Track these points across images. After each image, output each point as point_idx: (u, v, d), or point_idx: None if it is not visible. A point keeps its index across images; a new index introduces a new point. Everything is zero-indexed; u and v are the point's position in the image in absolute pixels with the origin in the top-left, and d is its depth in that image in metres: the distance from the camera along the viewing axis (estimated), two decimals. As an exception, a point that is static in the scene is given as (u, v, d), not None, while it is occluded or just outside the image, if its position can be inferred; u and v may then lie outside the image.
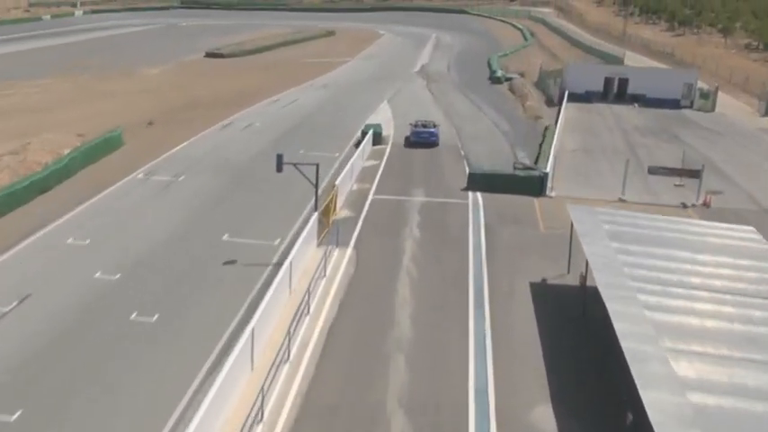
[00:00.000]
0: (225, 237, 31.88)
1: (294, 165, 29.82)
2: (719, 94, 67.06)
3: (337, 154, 46.69)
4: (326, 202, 32.63)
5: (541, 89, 69.56)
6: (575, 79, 59.98)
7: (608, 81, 62.18)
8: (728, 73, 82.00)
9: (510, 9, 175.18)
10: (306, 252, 28.77)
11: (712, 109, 64.36)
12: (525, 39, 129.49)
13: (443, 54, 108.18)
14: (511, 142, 51.05)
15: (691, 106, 64.38)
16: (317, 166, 30.16)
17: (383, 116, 57.43)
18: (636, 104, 62.00)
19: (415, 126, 49.99)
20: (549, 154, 42.64)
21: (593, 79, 60.86)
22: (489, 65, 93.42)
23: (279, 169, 30.39)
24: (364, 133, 48.81)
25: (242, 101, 64.99)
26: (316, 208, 30.95)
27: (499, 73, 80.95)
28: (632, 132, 54.50)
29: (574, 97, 59.88)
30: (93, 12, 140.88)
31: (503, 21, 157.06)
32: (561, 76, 64.53)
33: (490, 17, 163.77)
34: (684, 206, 37.55)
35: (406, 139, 50.46)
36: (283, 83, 75.14)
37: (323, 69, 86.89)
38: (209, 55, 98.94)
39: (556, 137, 47.61)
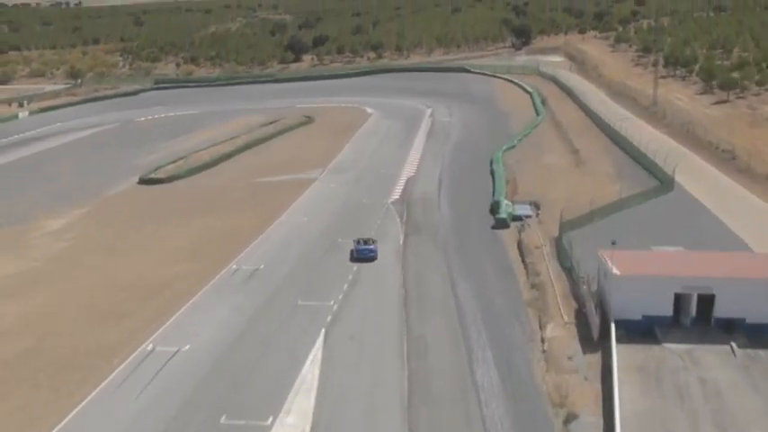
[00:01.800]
0: None
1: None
2: None
3: None
4: None
5: (565, 267, 43.42)
6: (626, 298, 33.42)
7: (681, 299, 34.33)
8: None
9: (516, 63, 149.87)
10: None
11: None
12: (536, 109, 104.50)
13: (437, 150, 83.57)
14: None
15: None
16: None
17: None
18: (733, 345, 32.95)
19: (357, 243, 49.50)
20: None
21: (655, 297, 33.95)
22: (492, 176, 68.78)
23: None
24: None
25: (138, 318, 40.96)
26: None
27: (503, 208, 55.92)
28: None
29: (626, 328, 33.45)
30: (43, 110, 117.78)
31: (509, 80, 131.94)
32: (599, 286, 36.91)
33: (494, 75, 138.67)
34: None
35: (351, 253, 48.92)
36: (202, 262, 50.89)
37: (271, 209, 62.49)
38: (144, 182, 75.23)
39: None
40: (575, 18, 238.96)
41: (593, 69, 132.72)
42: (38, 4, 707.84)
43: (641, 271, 34.41)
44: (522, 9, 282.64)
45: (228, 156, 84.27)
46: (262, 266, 47.71)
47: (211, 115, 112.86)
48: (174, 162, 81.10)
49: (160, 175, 76.55)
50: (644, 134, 79.38)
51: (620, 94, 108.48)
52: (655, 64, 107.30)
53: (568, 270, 42.72)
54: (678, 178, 59.88)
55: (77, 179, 77.12)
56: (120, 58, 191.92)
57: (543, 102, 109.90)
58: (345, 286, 43.61)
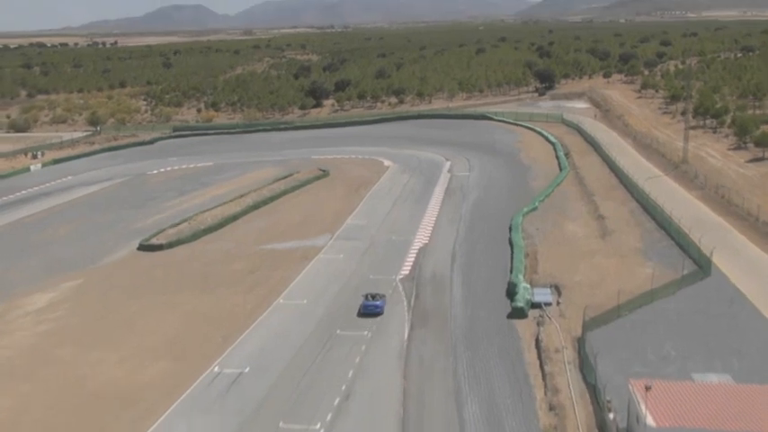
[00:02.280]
0: None
1: None
2: None
3: None
4: None
5: (589, 383, 36.78)
6: None
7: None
8: None
9: (539, 110, 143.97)
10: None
11: None
12: (559, 163, 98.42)
13: (453, 212, 77.63)
14: None
15: None
16: None
17: None
18: None
19: (365, 298, 50.84)
20: None
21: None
22: (511, 246, 62.82)
23: None
24: None
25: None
26: None
27: (521, 294, 49.73)
28: None
29: None
30: (57, 161, 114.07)
31: (531, 129, 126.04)
32: (629, 428, 29.78)
33: (516, 123, 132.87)
34: None
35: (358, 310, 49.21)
36: (182, 360, 45.28)
37: (270, 288, 56.92)
38: (144, 248, 70.20)
39: None
40: (599, 60, 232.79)
41: (618, 118, 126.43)
42: (76, 44, 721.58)
43: (682, 422, 27.83)
44: (546, 50, 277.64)
45: (235, 217, 79.06)
46: (247, 370, 41.90)
47: (225, 167, 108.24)
48: (177, 225, 76.11)
49: (161, 240, 71.47)
50: (675, 199, 72.97)
51: (647, 146, 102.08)
52: (683, 113, 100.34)
53: (593, 388, 36.31)
54: (715, 257, 53.24)
55: (76, 244, 72.28)
56: (144, 102, 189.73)
57: (567, 154, 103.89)
58: (336, 401, 37.58)
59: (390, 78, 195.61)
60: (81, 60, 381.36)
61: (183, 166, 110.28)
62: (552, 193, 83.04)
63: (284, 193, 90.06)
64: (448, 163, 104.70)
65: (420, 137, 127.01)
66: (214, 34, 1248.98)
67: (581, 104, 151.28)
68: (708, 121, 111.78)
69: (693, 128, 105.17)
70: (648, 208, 70.54)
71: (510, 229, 68.80)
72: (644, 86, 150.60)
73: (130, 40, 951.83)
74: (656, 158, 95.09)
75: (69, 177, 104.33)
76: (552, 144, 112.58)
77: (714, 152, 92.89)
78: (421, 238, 68.91)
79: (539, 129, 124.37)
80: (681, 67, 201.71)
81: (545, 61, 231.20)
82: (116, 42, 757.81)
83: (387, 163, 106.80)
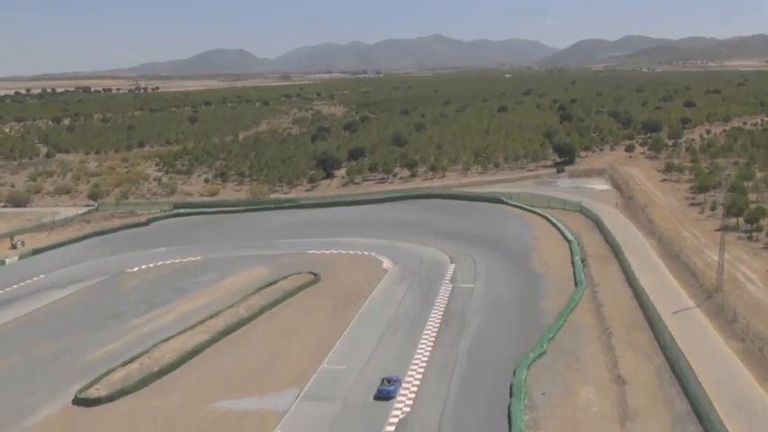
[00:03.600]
0: None
1: None
2: None
3: None
4: None
5: None
6: None
7: None
8: None
9: (557, 193, 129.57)
10: None
11: None
12: (575, 276, 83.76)
13: (447, 356, 63.30)
14: None
15: None
16: None
17: None
18: None
19: (381, 383, 54.58)
20: None
21: None
22: (509, 420, 48.55)
23: None
24: None
25: None
26: None
27: None
28: None
29: None
30: (37, 252, 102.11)
31: (547, 219, 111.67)
32: None
33: (531, 210, 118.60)
34: None
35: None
36: None
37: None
38: (79, 402, 56.97)
39: None
40: (621, 125, 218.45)
41: (642, 210, 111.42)
42: (118, 89, 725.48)
43: None
44: (567, 112, 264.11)
45: (197, 351, 65.67)
46: None
47: (211, 264, 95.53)
48: (127, 364, 62.93)
49: (100, 390, 58.19)
50: (710, 352, 58.19)
51: (675, 256, 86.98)
52: (722, 231, 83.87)
53: None
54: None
55: (2, 394, 59.20)
56: (155, 167, 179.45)
57: (583, 260, 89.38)
58: None
59: (406, 147, 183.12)
60: (114, 107, 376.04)
61: (168, 262, 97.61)
62: (564, 324, 68.56)
63: (263, 310, 76.55)
64: (452, 266, 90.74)
65: (427, 224, 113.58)
66: (253, 78, 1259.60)
67: (601, 186, 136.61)
68: (741, 220, 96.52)
69: (725, 228, 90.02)
70: (678, 370, 55.63)
71: (511, 392, 54.49)
72: (668, 169, 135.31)
73: (173, 84, 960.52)
74: (685, 276, 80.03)
75: (42, 276, 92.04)
76: (569, 242, 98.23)
77: (752, 273, 77.61)
78: (403, 400, 54.76)
79: (555, 220, 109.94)
80: (706, 137, 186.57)
81: (566, 126, 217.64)
82: (157, 88, 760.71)
83: (385, 264, 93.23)
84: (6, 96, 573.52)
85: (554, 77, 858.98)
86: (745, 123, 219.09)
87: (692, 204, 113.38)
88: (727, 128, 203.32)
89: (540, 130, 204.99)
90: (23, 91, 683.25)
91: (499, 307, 75.86)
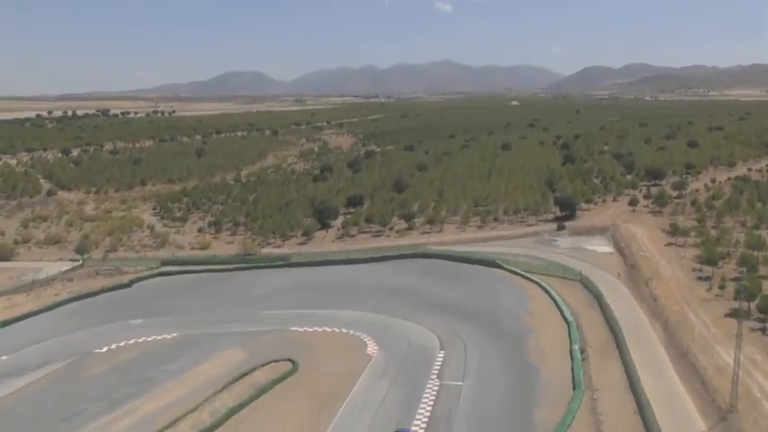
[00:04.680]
0: None
1: None
2: None
3: None
4: None
5: None
6: None
7: None
8: None
9: (557, 255, 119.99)
10: None
11: None
12: (573, 372, 74.00)
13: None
14: None
15: None
16: None
17: None
18: None
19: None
20: None
21: None
22: None
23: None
24: None
25: None
26: None
27: None
28: None
29: None
30: (5, 325, 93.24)
31: (546, 291, 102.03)
32: None
33: (528, 278, 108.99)
34: None
35: None
36: None
37: None
38: None
39: None
40: (624, 168, 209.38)
41: (645, 284, 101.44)
42: (136, 113, 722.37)
43: None
44: (570, 150, 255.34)
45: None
46: None
47: (186, 344, 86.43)
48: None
49: None
50: None
51: (683, 355, 76.91)
52: (738, 334, 73.20)
53: None
54: None
55: None
56: (152, 211, 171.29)
57: (583, 351, 79.64)
58: None
59: (406, 192, 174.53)
60: (126, 136, 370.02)
61: (141, 340, 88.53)
62: (560, 447, 58.80)
63: (231, 414, 67.21)
64: (441, 355, 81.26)
65: (419, 292, 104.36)
66: (269, 101, 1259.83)
67: (603, 248, 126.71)
68: (753, 306, 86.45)
69: (734, 314, 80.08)
70: None
71: None
72: (674, 231, 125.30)
73: (191, 107, 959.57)
74: (694, 382, 70.02)
75: (4, 358, 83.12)
76: (567, 323, 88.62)
77: (769, 379, 67.53)
78: None
79: (554, 294, 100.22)
80: (710, 186, 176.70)
81: (568, 169, 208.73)
82: (174, 111, 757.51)
83: (370, 349, 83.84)
84: (28, 119, 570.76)
85: (559, 104, 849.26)
86: (749, 170, 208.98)
87: (700, 279, 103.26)
88: (731, 176, 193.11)
89: (543, 174, 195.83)
90: (46, 113, 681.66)
91: (489, 415, 66.21)
